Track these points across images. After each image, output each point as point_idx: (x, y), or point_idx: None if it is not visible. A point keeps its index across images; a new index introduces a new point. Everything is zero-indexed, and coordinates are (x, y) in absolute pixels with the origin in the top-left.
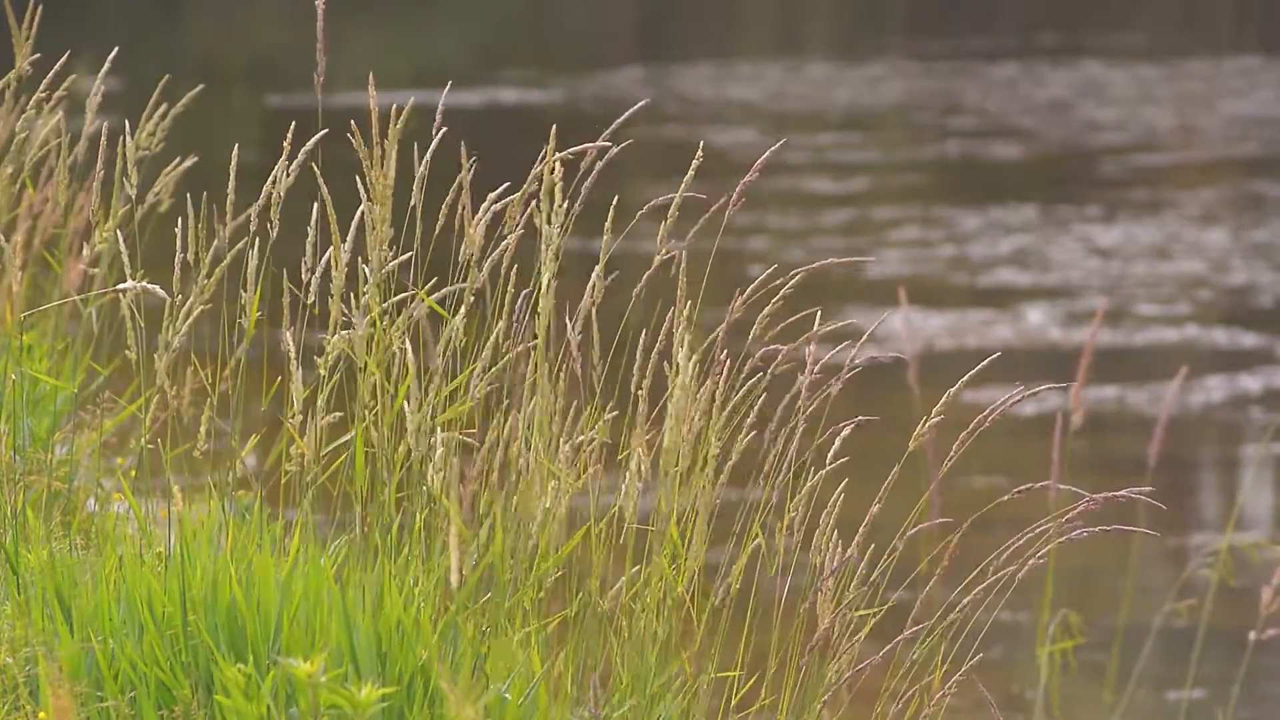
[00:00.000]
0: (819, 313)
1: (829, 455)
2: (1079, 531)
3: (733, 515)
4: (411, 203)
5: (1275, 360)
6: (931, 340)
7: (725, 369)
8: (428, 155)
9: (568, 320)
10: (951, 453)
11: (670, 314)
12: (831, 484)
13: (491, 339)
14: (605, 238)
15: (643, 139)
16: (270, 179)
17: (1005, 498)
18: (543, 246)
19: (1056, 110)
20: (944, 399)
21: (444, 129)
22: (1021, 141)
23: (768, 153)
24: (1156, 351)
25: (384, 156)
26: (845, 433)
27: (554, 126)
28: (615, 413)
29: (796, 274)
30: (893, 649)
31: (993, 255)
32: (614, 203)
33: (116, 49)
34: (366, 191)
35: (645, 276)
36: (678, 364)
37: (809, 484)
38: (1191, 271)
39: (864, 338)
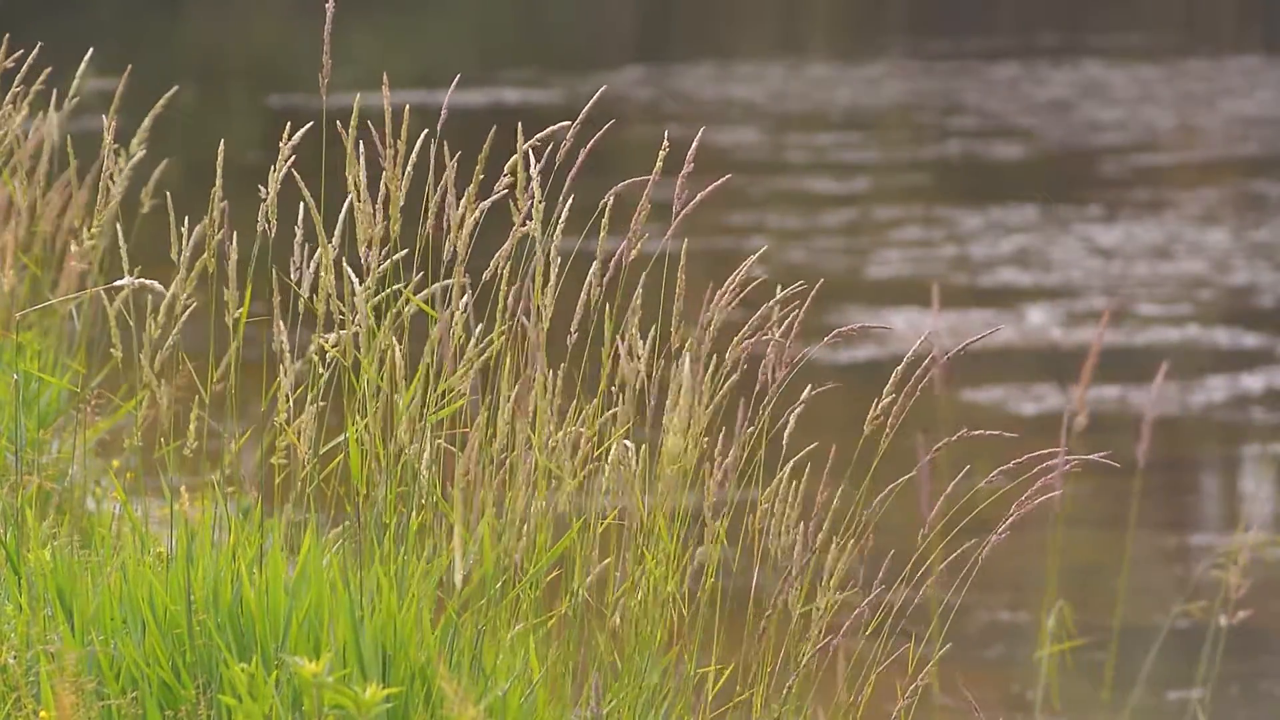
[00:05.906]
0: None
1: (789, 414)
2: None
3: (719, 511)
4: (401, 201)
5: (1276, 360)
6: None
7: (730, 368)
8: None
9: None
10: (929, 451)
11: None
12: (817, 479)
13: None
14: (633, 235)
15: (643, 138)
16: (277, 177)
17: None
18: (538, 224)
19: (1057, 110)
20: (919, 390)
21: (494, 128)
22: (1022, 141)
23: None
24: (1157, 351)
25: (360, 155)
26: (812, 393)
27: (519, 124)
28: (635, 414)
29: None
30: (837, 639)
31: (994, 255)
32: (656, 201)
33: (91, 51)
34: (355, 190)
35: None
36: (683, 364)
37: (778, 478)
38: (1193, 271)
39: (921, 342)
